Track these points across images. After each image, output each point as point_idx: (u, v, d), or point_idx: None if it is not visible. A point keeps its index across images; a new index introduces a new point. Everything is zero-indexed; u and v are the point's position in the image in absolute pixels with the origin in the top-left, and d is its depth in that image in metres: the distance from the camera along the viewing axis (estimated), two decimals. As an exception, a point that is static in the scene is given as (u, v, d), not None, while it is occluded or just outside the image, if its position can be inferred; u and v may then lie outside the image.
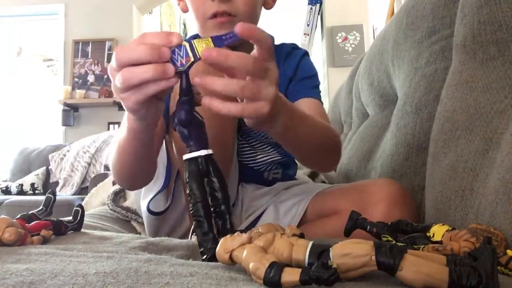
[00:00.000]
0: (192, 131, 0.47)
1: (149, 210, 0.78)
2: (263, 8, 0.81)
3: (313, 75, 0.88)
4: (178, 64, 0.43)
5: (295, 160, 0.94)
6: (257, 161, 0.85)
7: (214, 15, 0.71)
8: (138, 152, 0.61)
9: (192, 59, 0.43)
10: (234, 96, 0.45)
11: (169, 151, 0.79)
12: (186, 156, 0.47)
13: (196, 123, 0.47)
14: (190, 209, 0.47)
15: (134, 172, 0.67)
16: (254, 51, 0.46)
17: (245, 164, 0.84)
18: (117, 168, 0.67)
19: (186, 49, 0.43)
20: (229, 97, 0.45)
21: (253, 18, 0.76)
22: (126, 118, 0.55)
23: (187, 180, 0.47)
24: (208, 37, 0.44)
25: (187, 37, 0.88)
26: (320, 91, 0.88)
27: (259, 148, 0.84)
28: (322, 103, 0.85)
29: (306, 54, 0.90)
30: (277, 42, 0.93)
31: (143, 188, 0.81)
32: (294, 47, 0.90)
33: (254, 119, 0.49)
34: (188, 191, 0.47)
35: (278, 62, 0.86)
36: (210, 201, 0.47)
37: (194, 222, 0.47)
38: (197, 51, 0.43)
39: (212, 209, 0.47)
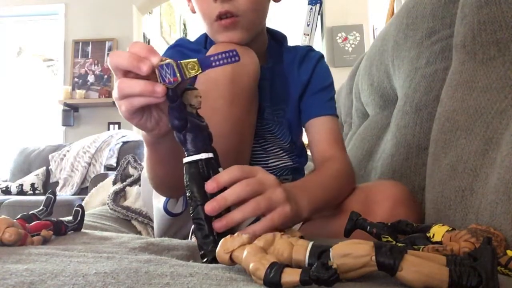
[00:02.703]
0: (188, 136, 0.47)
1: (166, 211, 0.78)
2: (271, 2, 0.80)
3: (329, 85, 0.86)
4: (167, 80, 0.44)
5: (304, 167, 0.94)
6: (269, 165, 0.84)
7: (219, 17, 0.71)
8: (165, 162, 0.61)
9: (179, 80, 0.43)
10: (256, 216, 0.49)
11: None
12: (185, 160, 0.47)
13: (193, 127, 0.47)
14: (190, 212, 0.47)
15: (167, 181, 0.67)
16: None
17: None
18: (151, 180, 0.68)
19: (173, 69, 0.43)
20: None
21: (258, 15, 0.75)
22: (141, 133, 0.57)
23: (188, 183, 0.47)
24: (195, 59, 0.44)
25: (187, 36, 0.88)
26: (335, 102, 0.86)
27: (272, 153, 0.84)
28: (337, 116, 0.84)
29: (322, 57, 0.88)
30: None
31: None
32: (310, 49, 0.89)
33: (284, 223, 0.51)
34: (188, 194, 0.47)
35: (293, 66, 0.85)
36: None
37: (194, 225, 0.47)
38: (184, 72, 0.43)
39: None
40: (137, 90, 0.44)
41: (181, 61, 0.44)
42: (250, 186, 0.48)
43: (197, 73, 0.44)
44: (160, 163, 0.62)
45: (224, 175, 0.48)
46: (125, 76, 0.45)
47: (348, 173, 0.74)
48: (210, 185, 0.47)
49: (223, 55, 0.44)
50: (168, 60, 0.43)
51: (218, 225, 0.46)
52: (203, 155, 0.47)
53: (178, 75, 0.43)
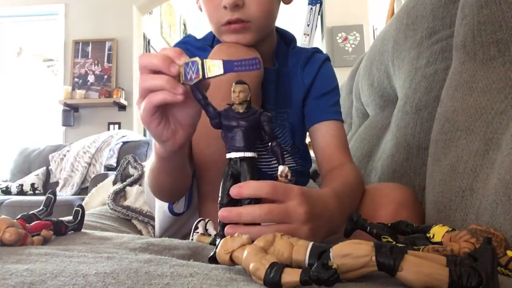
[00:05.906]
0: (224, 133, 0.48)
1: (170, 210, 0.78)
2: (282, 4, 0.78)
3: (334, 88, 0.84)
4: (189, 77, 0.45)
5: (309, 170, 0.94)
6: (272, 167, 0.83)
7: (228, 22, 0.70)
8: (172, 175, 0.62)
9: (200, 77, 0.45)
10: (264, 223, 0.47)
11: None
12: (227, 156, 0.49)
13: (230, 126, 0.47)
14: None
15: (170, 190, 0.69)
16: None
17: (259, 169, 0.82)
18: (152, 187, 0.69)
19: (197, 66, 0.45)
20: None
21: (269, 19, 0.74)
22: (153, 145, 0.59)
23: (223, 178, 0.48)
24: (220, 59, 0.45)
25: (187, 36, 0.88)
26: (340, 106, 0.84)
27: None
28: (342, 121, 0.83)
29: (327, 59, 0.86)
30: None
31: None
32: (316, 50, 0.87)
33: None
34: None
35: (297, 68, 0.83)
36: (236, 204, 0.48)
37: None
38: (207, 70, 0.45)
39: None
40: (159, 83, 0.45)
41: (206, 60, 0.45)
42: (271, 215, 0.45)
43: (218, 74, 0.45)
44: (166, 175, 0.63)
45: (250, 187, 0.45)
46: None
47: (360, 180, 0.73)
48: (233, 190, 0.46)
49: (246, 62, 0.45)
50: (195, 58, 0.45)
51: (229, 233, 0.46)
52: (233, 155, 0.47)
53: (201, 72, 0.45)
